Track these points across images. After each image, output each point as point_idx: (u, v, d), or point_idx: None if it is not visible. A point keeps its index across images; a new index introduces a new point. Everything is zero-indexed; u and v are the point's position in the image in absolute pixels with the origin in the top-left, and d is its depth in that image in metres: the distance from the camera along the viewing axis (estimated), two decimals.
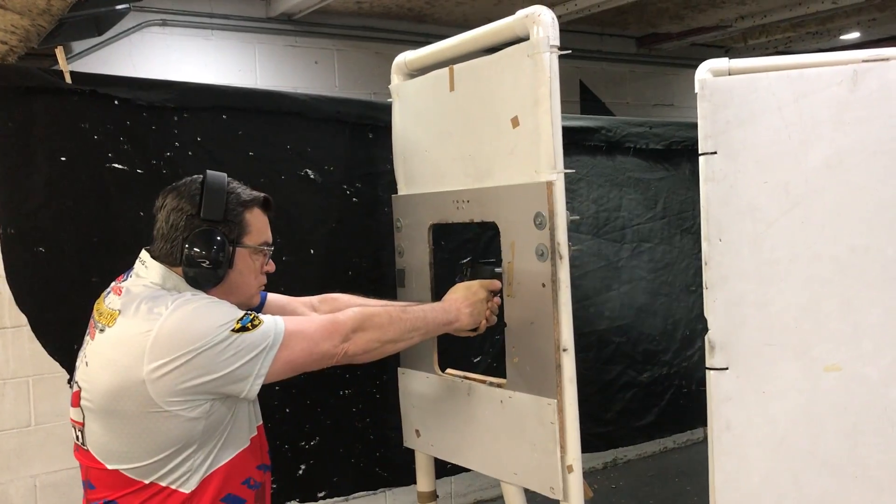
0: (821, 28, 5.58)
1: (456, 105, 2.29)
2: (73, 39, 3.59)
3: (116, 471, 1.72)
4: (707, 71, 2.17)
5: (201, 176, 1.84)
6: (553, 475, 2.05)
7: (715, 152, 2.16)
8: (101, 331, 1.73)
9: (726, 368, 2.17)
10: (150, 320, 1.67)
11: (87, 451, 1.76)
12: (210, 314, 1.69)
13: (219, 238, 1.78)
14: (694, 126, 2.25)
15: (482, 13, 4.94)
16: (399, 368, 2.60)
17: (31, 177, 2.22)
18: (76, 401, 1.78)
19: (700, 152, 2.19)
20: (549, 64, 2.01)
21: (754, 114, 2.12)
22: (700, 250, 3.41)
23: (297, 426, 2.63)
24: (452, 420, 2.39)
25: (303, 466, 2.64)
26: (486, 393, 2.26)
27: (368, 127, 2.73)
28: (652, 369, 3.46)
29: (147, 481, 1.72)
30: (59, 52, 2.29)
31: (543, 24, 2.01)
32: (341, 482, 2.73)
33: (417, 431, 2.55)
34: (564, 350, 2.04)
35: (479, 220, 2.27)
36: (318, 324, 1.83)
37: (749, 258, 2.15)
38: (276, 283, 2.51)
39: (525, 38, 2.07)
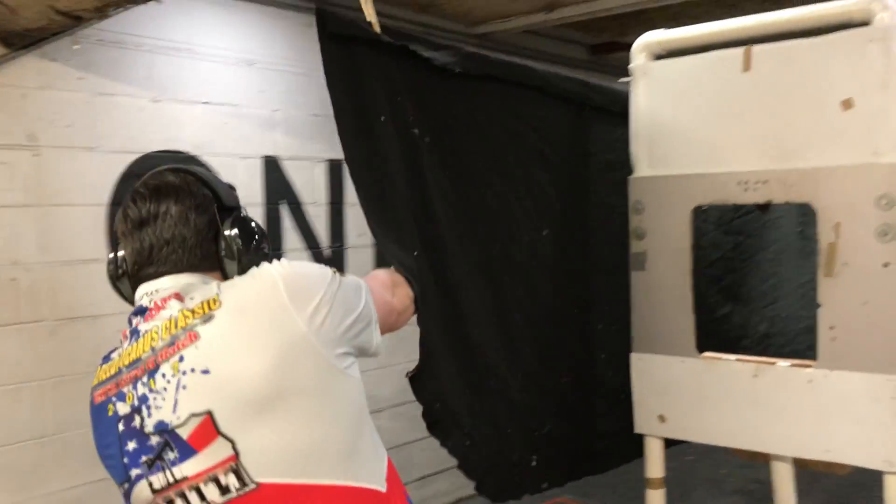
0: None
1: (751, 85, 2.29)
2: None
3: (303, 486, 1.34)
4: None
5: (170, 167, 1.53)
6: (893, 449, 2.10)
7: None
8: (207, 320, 1.34)
9: None
10: (262, 277, 1.39)
11: (255, 487, 1.32)
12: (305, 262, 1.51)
13: (254, 223, 1.54)
14: None
15: (487, 9, 4.88)
16: (633, 354, 2.54)
17: (366, 137, 1.93)
18: (207, 434, 1.31)
19: None
20: None
21: None
22: None
23: (531, 413, 2.48)
24: (725, 403, 2.37)
25: (534, 457, 2.49)
26: (785, 374, 2.27)
27: (585, 107, 2.65)
28: None
29: (341, 483, 1.37)
30: (367, 1, 2.02)
31: (892, 11, 2.07)
32: (558, 472, 2.61)
33: (662, 417, 2.50)
34: None
35: (780, 202, 2.28)
36: (368, 276, 1.71)
37: None
38: (518, 263, 2.39)
39: (857, 24, 2.12)
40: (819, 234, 2.20)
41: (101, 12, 2.86)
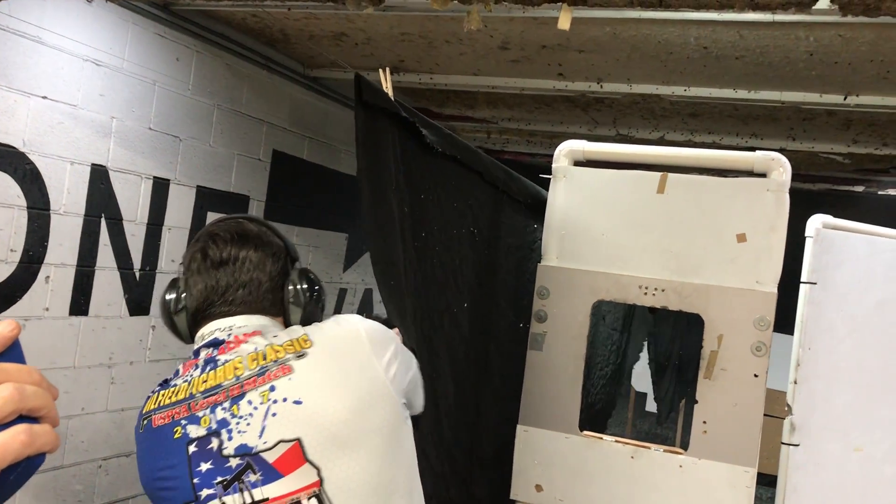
0: (547, 141, 6.77)
1: (663, 206, 2.65)
2: None
3: None
4: (820, 223, 2.91)
5: (244, 217, 1.66)
6: None
7: (815, 283, 2.89)
8: (301, 356, 1.43)
9: (798, 445, 2.89)
10: (348, 326, 1.52)
11: None
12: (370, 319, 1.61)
13: (313, 275, 1.66)
14: None
15: (333, 58, 4.99)
16: (520, 426, 2.76)
17: (381, 204, 1.96)
18: (294, 460, 1.37)
19: (802, 281, 2.90)
20: (787, 202, 2.55)
21: (842, 260, 2.92)
22: None
23: (443, 480, 2.58)
24: (603, 479, 2.66)
25: None
26: (660, 458, 2.61)
27: (504, 194, 2.87)
28: None
29: None
30: (385, 72, 2.08)
31: (787, 170, 2.55)
32: None
33: (539, 486, 2.73)
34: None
35: (673, 309, 2.64)
36: None
37: (823, 364, 2.92)
38: (447, 333, 2.55)
39: (757, 174, 2.58)
40: (704, 341, 2.59)
41: None
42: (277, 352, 1.44)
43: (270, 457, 1.37)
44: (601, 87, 4.68)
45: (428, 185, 2.32)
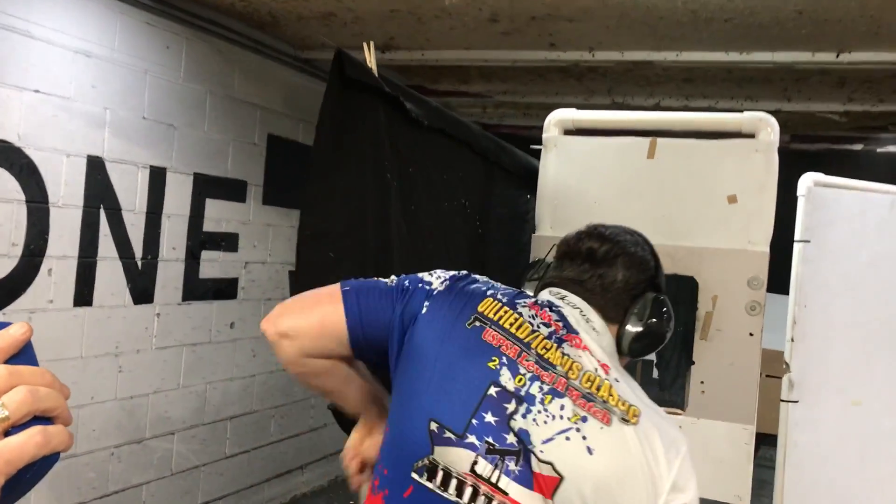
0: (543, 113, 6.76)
1: (653, 171, 2.66)
2: None
3: None
4: (811, 181, 2.92)
5: (637, 232, 1.64)
6: (742, 486, 2.55)
7: (809, 241, 2.91)
8: (625, 420, 1.34)
9: (797, 401, 2.92)
10: (668, 460, 1.40)
11: None
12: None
13: (670, 315, 1.58)
14: None
15: (322, 39, 4.99)
16: None
17: (342, 173, 1.98)
18: (548, 488, 1.31)
19: (796, 239, 2.92)
20: (776, 161, 2.56)
21: (835, 218, 2.93)
22: None
23: None
24: None
25: None
26: None
27: (495, 165, 2.88)
28: None
29: None
30: (369, 47, 2.09)
31: (775, 130, 2.56)
32: None
33: None
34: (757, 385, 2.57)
35: (668, 273, 2.66)
36: None
37: (819, 321, 2.94)
38: None
39: (746, 135, 2.59)
40: (699, 303, 2.61)
41: None
42: (612, 398, 1.35)
43: (537, 466, 1.31)
44: (593, 55, 4.66)
45: (416, 158, 2.34)
